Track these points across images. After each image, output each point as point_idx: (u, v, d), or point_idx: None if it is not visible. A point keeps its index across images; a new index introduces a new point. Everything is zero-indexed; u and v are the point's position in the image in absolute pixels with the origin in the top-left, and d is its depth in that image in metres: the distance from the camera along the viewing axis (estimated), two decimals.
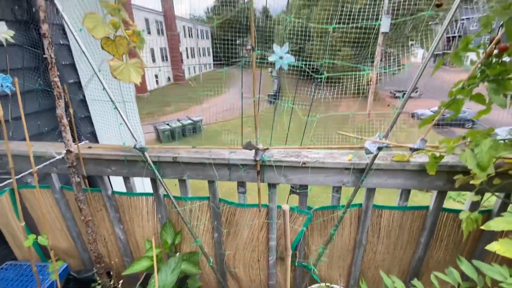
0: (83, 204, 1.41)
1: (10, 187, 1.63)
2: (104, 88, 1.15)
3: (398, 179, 1.17)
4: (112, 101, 1.15)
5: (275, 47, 1.07)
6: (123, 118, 1.17)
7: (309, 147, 1.16)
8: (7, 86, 1.33)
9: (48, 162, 1.29)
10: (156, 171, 1.29)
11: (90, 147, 1.32)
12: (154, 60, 26.46)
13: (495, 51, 0.86)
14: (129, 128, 1.18)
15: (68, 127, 1.22)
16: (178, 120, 15.03)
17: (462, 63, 0.91)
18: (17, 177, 1.30)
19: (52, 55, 1.09)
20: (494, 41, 0.85)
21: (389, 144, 1.05)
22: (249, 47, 1.07)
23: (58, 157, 1.31)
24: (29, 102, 1.82)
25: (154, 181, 1.42)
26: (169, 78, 29.55)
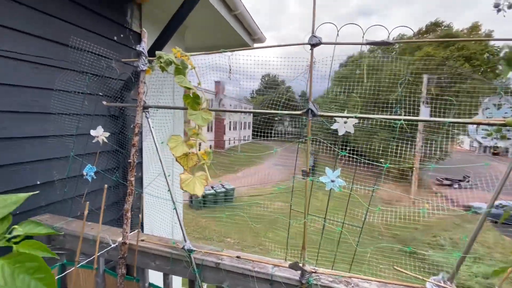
0: None
1: (60, 263, 1.73)
2: (169, 190, 1.29)
3: None
4: (173, 202, 1.27)
5: (327, 170, 1.14)
6: (179, 220, 1.26)
7: (361, 278, 1.08)
8: (90, 175, 1.57)
9: (104, 251, 1.38)
10: (198, 276, 1.29)
11: (142, 240, 1.40)
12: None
13: None
14: (182, 229, 1.26)
15: (129, 220, 1.34)
16: (212, 187, 15.38)
17: None
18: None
19: (135, 160, 1.30)
20: None
21: None
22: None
23: (112, 245, 1.40)
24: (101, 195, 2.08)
25: (192, 283, 1.40)
26: (210, 146, 32.00)
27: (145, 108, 1.29)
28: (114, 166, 2.21)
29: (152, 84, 1.58)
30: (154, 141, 1.30)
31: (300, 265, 1.10)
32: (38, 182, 1.72)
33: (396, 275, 1.08)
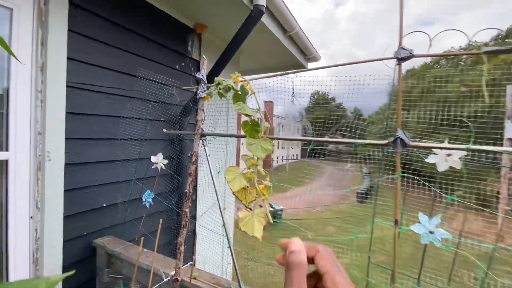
0: None
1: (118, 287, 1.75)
2: (223, 225, 1.18)
3: None
4: (228, 240, 1.15)
5: (422, 217, 0.88)
6: (234, 262, 1.12)
7: None
8: (148, 201, 1.57)
9: (157, 285, 1.32)
10: None
11: (195, 278, 1.31)
12: None
13: None
14: (237, 274, 1.11)
15: (182, 255, 1.26)
16: (260, 207, 15.16)
17: None
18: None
19: (191, 190, 1.23)
20: None
21: None
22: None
23: (165, 279, 1.33)
24: (156, 219, 2.11)
25: None
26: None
27: (203, 136, 1.25)
28: (170, 190, 2.25)
29: (208, 111, 1.55)
30: (211, 170, 1.23)
31: None
32: (104, 205, 1.81)
33: None
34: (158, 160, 1.48)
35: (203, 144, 1.28)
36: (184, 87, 1.93)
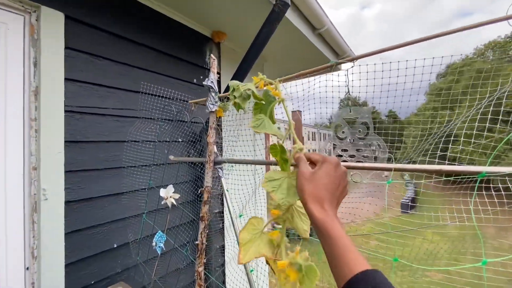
0: None
1: None
2: (248, 276, 0.81)
3: None
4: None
5: None
6: None
7: None
8: (160, 246, 1.26)
9: None
10: None
11: None
12: None
13: None
14: None
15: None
16: None
17: None
18: None
19: (204, 241, 0.89)
20: None
21: None
22: None
23: None
24: (174, 258, 1.80)
25: None
26: None
27: (217, 163, 0.92)
28: (190, 221, 1.94)
29: (228, 127, 1.22)
30: (230, 211, 0.88)
31: None
32: (115, 245, 1.54)
33: None
34: (168, 195, 1.18)
35: (219, 176, 0.95)
36: (191, 101, 1.64)
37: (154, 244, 1.25)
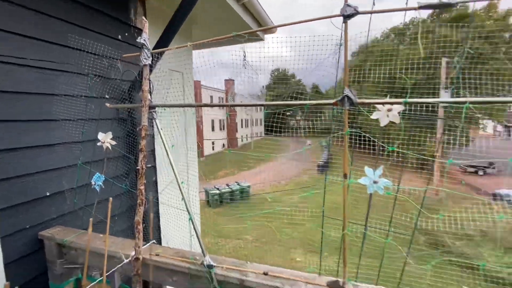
0: None
1: (76, 277, 1.64)
2: (183, 198, 1.15)
3: None
4: (188, 212, 1.13)
5: (367, 170, 0.95)
6: (196, 233, 1.11)
7: None
8: (98, 185, 1.45)
9: (115, 268, 1.27)
10: None
11: (158, 254, 1.28)
12: (213, 129, 29.81)
13: None
14: (200, 243, 1.11)
15: (141, 233, 1.22)
16: (227, 185, 15.39)
17: None
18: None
19: (144, 167, 1.16)
20: None
21: None
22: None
23: (126, 261, 1.28)
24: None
25: None
26: (223, 144, 32.09)
27: (151, 107, 1.16)
28: (124, 172, 2.11)
29: (158, 82, 1.44)
30: (164, 144, 1.16)
31: (340, 283, 0.92)
32: (48, 194, 1.63)
33: None
34: (105, 139, 1.35)
35: (153, 118, 1.19)
36: (124, 55, 1.74)
37: (93, 183, 1.43)
